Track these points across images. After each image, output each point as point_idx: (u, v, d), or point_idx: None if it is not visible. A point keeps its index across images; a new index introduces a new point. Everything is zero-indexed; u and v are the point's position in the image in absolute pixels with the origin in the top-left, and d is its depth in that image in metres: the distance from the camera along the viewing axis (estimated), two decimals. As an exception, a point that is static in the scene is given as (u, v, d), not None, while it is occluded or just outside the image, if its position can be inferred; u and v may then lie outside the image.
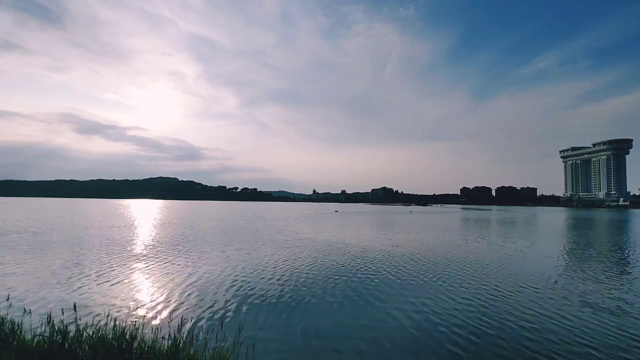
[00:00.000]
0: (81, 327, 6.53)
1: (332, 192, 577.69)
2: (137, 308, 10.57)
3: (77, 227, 37.15)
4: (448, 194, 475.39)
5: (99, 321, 8.25)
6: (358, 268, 17.46)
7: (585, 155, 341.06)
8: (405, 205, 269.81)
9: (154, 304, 11.14)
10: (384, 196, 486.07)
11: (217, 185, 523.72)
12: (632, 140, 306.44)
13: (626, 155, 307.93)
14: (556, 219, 77.17)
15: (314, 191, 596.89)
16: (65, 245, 23.46)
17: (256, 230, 38.52)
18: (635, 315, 10.68)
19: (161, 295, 12.09)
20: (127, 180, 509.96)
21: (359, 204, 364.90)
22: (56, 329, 6.14)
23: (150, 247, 23.90)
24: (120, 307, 10.68)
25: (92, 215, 60.44)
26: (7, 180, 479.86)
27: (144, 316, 9.82)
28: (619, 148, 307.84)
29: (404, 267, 17.99)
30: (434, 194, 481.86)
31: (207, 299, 11.70)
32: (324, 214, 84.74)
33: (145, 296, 12.00)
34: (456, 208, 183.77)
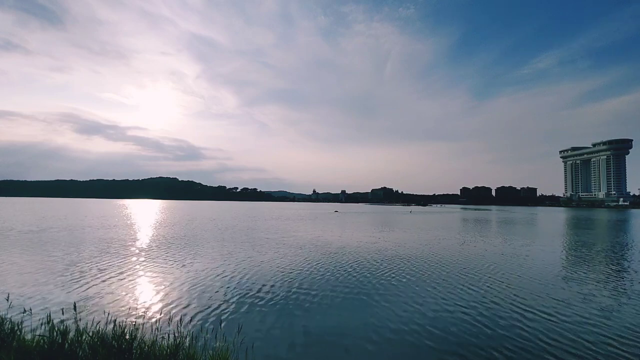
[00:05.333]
0: (81, 327, 6.53)
1: (332, 192, 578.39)
2: (137, 308, 10.57)
3: (77, 227, 37.14)
4: (448, 194, 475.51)
5: (99, 321, 8.24)
6: (358, 268, 17.45)
7: (585, 155, 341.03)
8: (405, 205, 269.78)
9: (154, 303, 11.14)
10: (384, 196, 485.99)
11: (217, 185, 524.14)
12: (632, 140, 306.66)
13: (626, 156, 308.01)
14: (556, 219, 77.18)
15: (314, 191, 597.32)
16: (65, 245, 23.45)
17: (255, 231, 38.52)
18: (634, 314, 10.69)
19: (161, 295, 12.09)
20: (127, 180, 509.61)
21: (359, 204, 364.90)
22: (56, 329, 6.14)
23: (150, 247, 23.90)
24: (120, 307, 10.68)
25: (92, 215, 60.42)
26: (7, 180, 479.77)
27: (144, 316, 9.82)
28: (619, 148, 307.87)
29: (404, 267, 17.99)
30: (434, 194, 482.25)
31: (207, 299, 11.70)
32: (325, 214, 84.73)
33: (145, 296, 12.00)
34: (456, 208, 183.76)
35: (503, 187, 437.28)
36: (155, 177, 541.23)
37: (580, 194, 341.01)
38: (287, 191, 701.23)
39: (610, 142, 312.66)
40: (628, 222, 64.95)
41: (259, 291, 12.87)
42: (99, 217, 57.17)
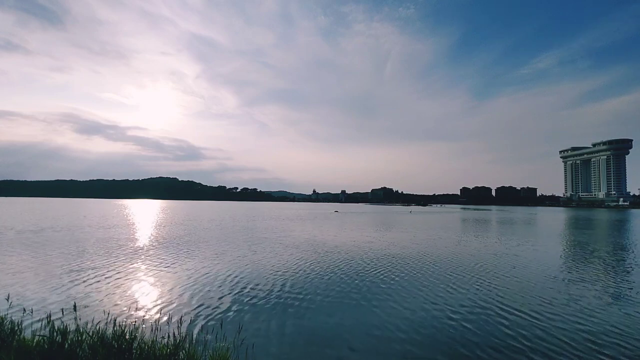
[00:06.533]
0: (81, 327, 6.54)
1: (332, 192, 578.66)
2: (137, 308, 10.57)
3: (77, 227, 37.14)
4: (448, 194, 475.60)
5: (99, 321, 8.25)
6: (358, 268, 17.46)
7: (585, 155, 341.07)
8: (405, 205, 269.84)
9: (154, 304, 11.14)
10: (384, 196, 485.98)
11: (217, 185, 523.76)
12: (632, 140, 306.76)
13: (626, 156, 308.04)
14: (555, 219, 77.18)
15: (314, 191, 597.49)
16: (65, 245, 23.45)
17: (255, 231, 38.54)
18: (619, 315, 10.70)
19: (161, 295, 12.09)
20: (127, 180, 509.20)
21: (359, 204, 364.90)
22: (56, 329, 6.15)
23: (150, 247, 23.90)
24: (120, 307, 10.67)
25: (92, 215, 60.41)
26: (7, 180, 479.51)
27: (144, 316, 9.82)
28: (619, 148, 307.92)
29: (404, 267, 18.00)
30: (434, 194, 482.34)
31: (207, 299, 11.70)
32: (324, 214, 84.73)
33: (145, 296, 12.00)
34: (456, 208, 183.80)
35: (503, 187, 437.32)
36: (155, 177, 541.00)
37: (580, 194, 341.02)
38: (287, 191, 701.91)
39: (610, 142, 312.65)
40: (627, 223, 64.93)
41: (259, 291, 12.87)
42: (98, 217, 57.17)
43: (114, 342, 5.98)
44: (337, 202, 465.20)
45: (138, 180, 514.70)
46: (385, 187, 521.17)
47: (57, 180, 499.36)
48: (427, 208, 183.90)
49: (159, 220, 51.67)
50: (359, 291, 13.13)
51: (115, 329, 6.31)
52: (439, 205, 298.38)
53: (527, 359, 7.69)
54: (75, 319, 8.03)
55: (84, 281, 13.81)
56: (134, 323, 8.57)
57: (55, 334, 6.04)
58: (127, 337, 6.14)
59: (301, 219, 61.60)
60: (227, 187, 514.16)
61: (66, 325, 6.41)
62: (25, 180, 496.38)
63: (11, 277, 14.33)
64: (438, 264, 19.05)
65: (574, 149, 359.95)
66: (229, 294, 12.45)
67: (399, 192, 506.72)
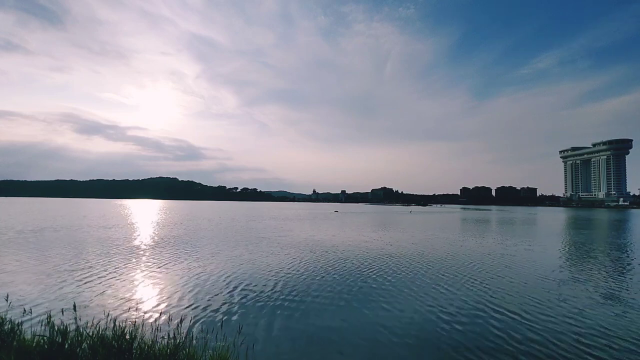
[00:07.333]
0: (81, 327, 6.53)
1: (332, 192, 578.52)
2: (137, 308, 10.58)
3: (77, 227, 37.14)
4: (448, 194, 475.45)
5: (99, 321, 8.23)
6: (357, 269, 17.47)
7: (585, 156, 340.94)
8: (405, 205, 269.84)
9: (154, 304, 11.15)
10: (384, 196, 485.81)
11: (217, 185, 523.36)
12: (632, 140, 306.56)
13: (626, 156, 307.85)
14: (554, 219, 77.18)
15: (314, 191, 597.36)
16: (65, 245, 23.46)
17: (254, 231, 38.53)
18: (609, 316, 10.70)
19: (161, 295, 12.10)
20: (127, 180, 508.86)
21: (359, 204, 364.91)
22: (56, 329, 6.14)
23: (150, 247, 23.90)
24: (120, 307, 10.68)
25: (92, 215, 60.40)
26: (7, 180, 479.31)
27: (144, 316, 9.83)
28: (619, 148, 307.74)
29: (403, 267, 18.01)
30: (434, 194, 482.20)
31: (207, 299, 11.71)
32: (324, 214, 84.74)
33: (145, 296, 12.01)
34: (456, 208, 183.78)
35: (503, 187, 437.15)
36: (155, 177, 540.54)
37: (580, 194, 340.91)
38: (287, 191, 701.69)
39: (610, 142, 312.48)
40: (626, 223, 64.92)
41: (258, 291, 12.88)
42: (98, 217, 57.16)
43: (114, 342, 5.97)
44: (337, 202, 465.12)
45: (138, 180, 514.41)
46: (385, 187, 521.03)
47: (57, 180, 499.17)
48: (427, 208, 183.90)
49: (159, 220, 51.66)
50: (358, 291, 13.14)
51: (115, 329, 6.30)
52: (439, 205, 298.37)
53: None
54: (75, 319, 8.03)
55: (84, 281, 13.81)
56: (134, 323, 8.56)
57: (55, 334, 6.03)
58: (127, 337, 6.14)
59: (301, 219, 61.59)
60: (227, 187, 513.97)
61: (66, 325, 6.41)
62: (25, 180, 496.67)
63: (11, 277, 14.33)
64: (435, 264, 19.06)
65: (574, 149, 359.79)
66: (229, 294, 12.46)
67: (399, 192, 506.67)
